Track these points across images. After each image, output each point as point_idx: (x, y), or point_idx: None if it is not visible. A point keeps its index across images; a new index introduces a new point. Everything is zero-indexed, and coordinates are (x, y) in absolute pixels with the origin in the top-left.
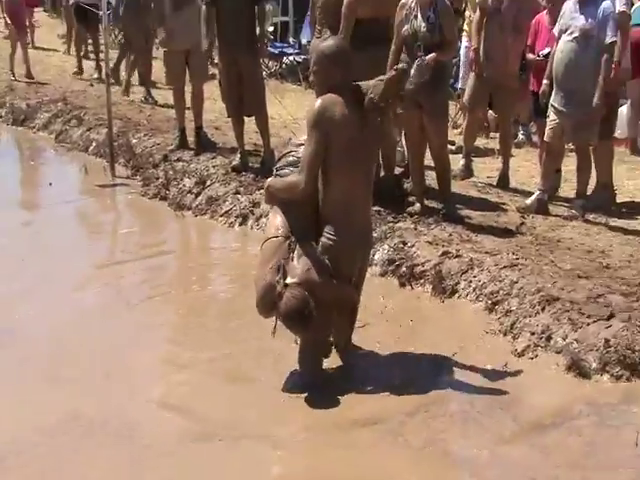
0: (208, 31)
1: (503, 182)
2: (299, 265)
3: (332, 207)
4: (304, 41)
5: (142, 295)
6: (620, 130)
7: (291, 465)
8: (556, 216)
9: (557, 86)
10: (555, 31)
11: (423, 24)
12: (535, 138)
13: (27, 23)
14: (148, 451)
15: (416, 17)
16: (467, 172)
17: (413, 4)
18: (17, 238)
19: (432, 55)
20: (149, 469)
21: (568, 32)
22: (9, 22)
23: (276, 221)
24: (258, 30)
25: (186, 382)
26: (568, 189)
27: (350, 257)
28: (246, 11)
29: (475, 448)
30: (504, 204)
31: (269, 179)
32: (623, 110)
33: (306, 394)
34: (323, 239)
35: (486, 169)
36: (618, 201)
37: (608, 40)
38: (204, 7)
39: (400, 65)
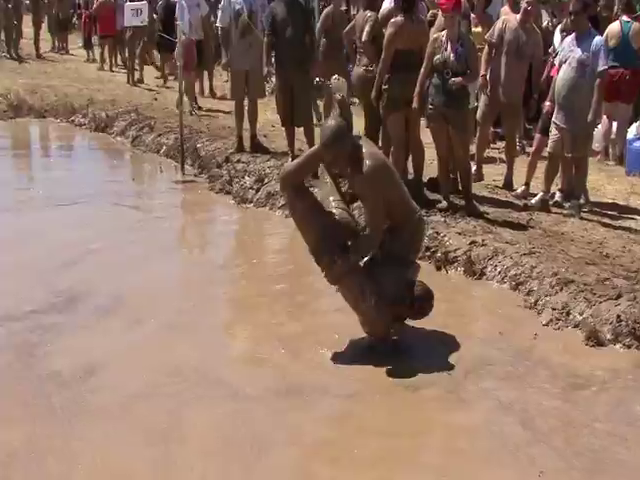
0: (267, 57)
1: (508, 185)
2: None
3: None
4: None
5: (227, 268)
6: (597, 144)
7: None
8: (556, 213)
9: (559, 106)
10: (556, 62)
11: (452, 55)
12: (528, 149)
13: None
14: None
15: (446, 49)
16: (478, 176)
17: (444, 39)
18: (116, 226)
19: (459, 79)
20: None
21: (567, 62)
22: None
23: None
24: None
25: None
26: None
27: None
28: (301, 39)
29: (520, 400)
30: (512, 203)
31: None
32: (598, 127)
33: (372, 358)
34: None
35: (491, 174)
36: (603, 202)
37: (600, 68)
38: (265, 37)
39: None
